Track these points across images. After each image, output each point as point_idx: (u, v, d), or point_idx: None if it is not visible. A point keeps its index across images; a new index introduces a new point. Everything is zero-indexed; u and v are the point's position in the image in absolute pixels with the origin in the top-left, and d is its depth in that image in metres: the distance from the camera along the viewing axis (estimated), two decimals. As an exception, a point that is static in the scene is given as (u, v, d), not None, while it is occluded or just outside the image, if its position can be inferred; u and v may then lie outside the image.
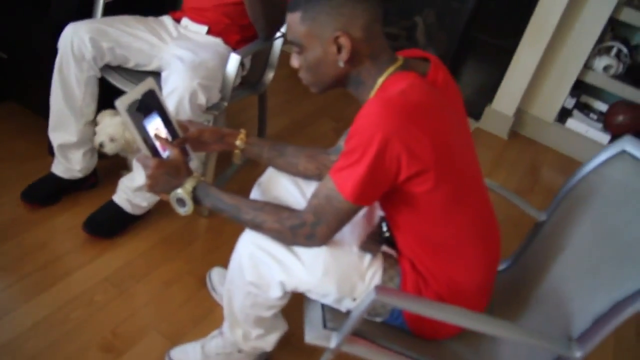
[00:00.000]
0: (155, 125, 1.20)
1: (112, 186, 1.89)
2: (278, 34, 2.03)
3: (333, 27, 1.07)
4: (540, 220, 1.48)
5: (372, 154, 1.00)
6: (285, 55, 2.14)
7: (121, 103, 1.12)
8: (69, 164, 1.90)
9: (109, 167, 2.09)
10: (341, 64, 1.10)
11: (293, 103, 2.96)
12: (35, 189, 1.90)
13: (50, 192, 1.92)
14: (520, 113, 3.30)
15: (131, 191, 1.82)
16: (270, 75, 2.15)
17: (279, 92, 2.16)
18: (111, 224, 1.85)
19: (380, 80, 1.11)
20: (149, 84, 1.20)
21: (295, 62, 1.16)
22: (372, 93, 1.11)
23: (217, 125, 1.88)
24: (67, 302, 1.61)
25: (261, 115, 2.34)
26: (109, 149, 1.81)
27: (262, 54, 2.13)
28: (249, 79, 2.11)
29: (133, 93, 1.15)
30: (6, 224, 1.80)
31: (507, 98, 3.21)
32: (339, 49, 1.08)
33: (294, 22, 1.10)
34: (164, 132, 1.22)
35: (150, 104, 1.19)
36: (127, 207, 1.84)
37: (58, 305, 1.59)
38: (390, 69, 1.11)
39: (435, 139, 1.04)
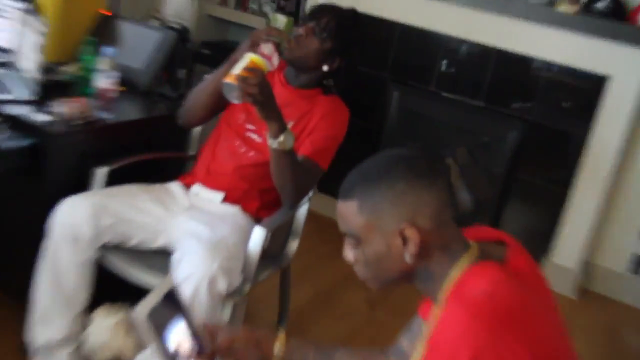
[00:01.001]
0: (177, 332, 1.08)
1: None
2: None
3: (397, 218, 0.96)
4: None
5: None
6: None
7: (140, 313, 1.06)
8: (51, 369, 1.57)
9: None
10: (408, 259, 0.96)
11: (315, 268, 2.63)
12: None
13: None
14: (586, 265, 2.95)
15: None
16: (294, 245, 1.88)
17: (298, 254, 1.91)
18: None
19: (453, 274, 0.96)
20: (168, 283, 1.13)
21: (349, 255, 1.03)
22: (444, 287, 0.96)
23: (238, 314, 1.61)
24: None
25: (283, 293, 1.99)
26: (99, 358, 1.49)
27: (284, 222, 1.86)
28: (270, 251, 1.82)
29: (152, 297, 1.09)
30: None
31: (567, 249, 2.86)
32: (405, 242, 0.96)
33: (349, 213, 0.99)
34: (187, 341, 1.08)
35: (171, 308, 1.08)
36: None
37: None
38: (465, 259, 0.97)
39: (534, 347, 0.89)
